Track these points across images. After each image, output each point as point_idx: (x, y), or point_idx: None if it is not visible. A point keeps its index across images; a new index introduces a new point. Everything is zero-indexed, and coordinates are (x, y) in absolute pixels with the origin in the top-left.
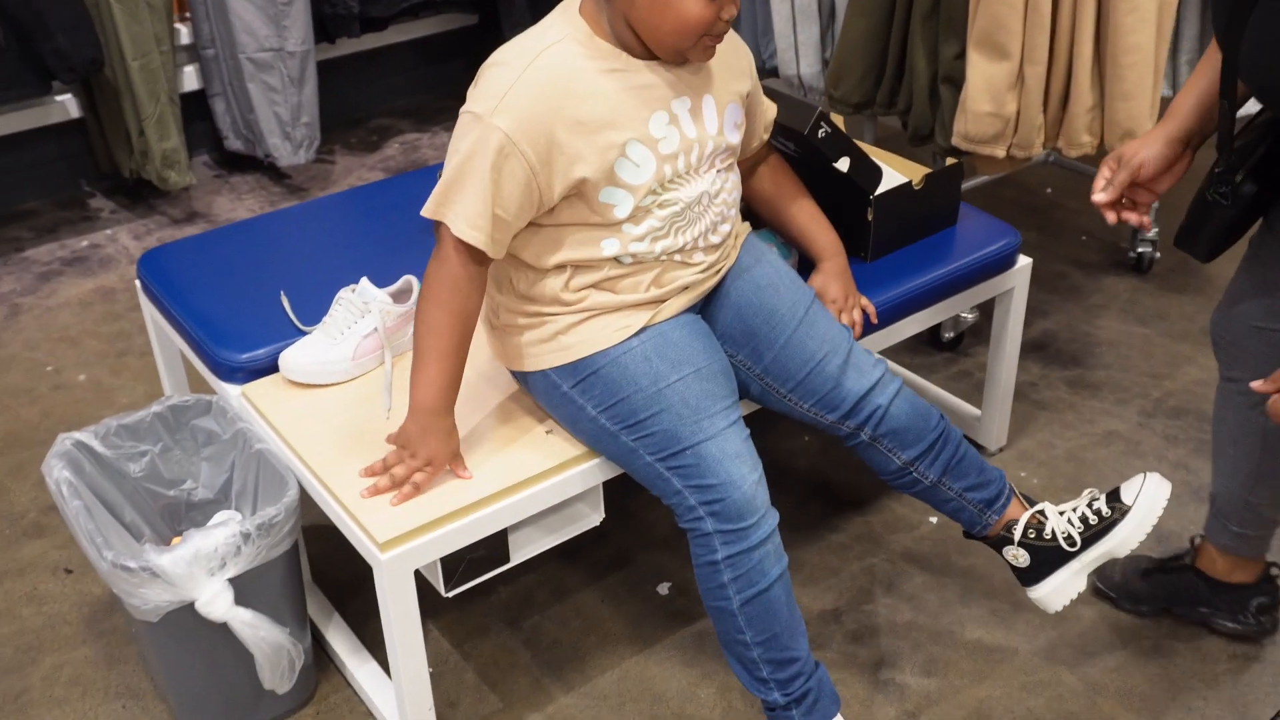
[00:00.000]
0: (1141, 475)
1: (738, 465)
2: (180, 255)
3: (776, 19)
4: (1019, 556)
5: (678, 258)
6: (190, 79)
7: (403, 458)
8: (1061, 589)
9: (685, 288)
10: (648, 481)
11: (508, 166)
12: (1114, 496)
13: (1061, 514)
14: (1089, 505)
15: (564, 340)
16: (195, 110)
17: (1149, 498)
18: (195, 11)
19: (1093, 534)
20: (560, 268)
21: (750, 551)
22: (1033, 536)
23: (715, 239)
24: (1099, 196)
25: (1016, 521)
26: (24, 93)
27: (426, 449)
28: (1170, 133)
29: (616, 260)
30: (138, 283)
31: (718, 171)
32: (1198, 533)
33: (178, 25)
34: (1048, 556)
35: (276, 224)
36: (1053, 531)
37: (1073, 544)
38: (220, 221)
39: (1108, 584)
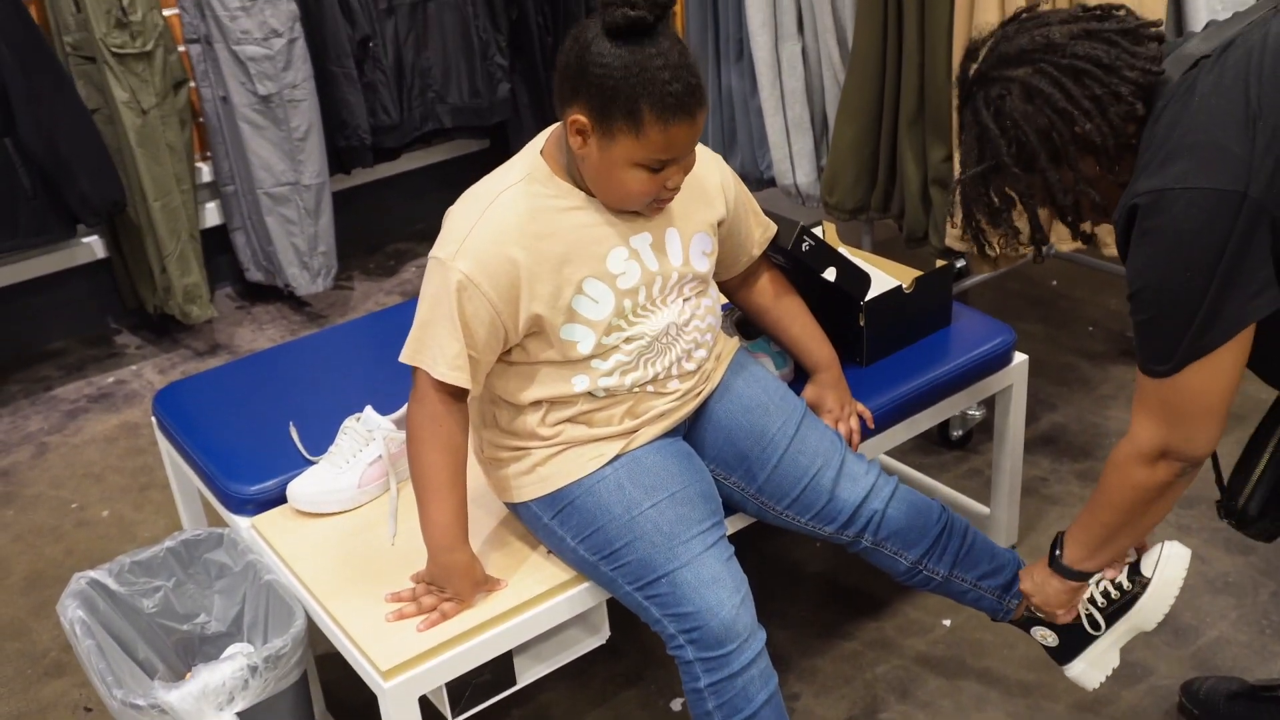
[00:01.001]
0: (1159, 544)
1: (715, 591)
2: (194, 390)
3: (771, 131)
4: (1047, 636)
5: (650, 388)
6: (212, 215)
7: (431, 589)
8: (1094, 666)
9: (661, 415)
10: (633, 610)
11: (471, 307)
12: (1134, 569)
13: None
14: (1111, 580)
15: (542, 472)
16: (217, 244)
17: (1168, 568)
18: (215, 151)
19: (1115, 610)
20: (536, 404)
21: (733, 678)
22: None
23: (690, 366)
24: None
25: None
26: (51, 238)
27: (452, 586)
28: None
29: (590, 395)
30: (154, 419)
31: (685, 300)
32: None
33: (199, 164)
34: (1074, 636)
35: (288, 355)
36: (1076, 612)
37: (1095, 625)
38: (242, 352)
39: (1193, 700)
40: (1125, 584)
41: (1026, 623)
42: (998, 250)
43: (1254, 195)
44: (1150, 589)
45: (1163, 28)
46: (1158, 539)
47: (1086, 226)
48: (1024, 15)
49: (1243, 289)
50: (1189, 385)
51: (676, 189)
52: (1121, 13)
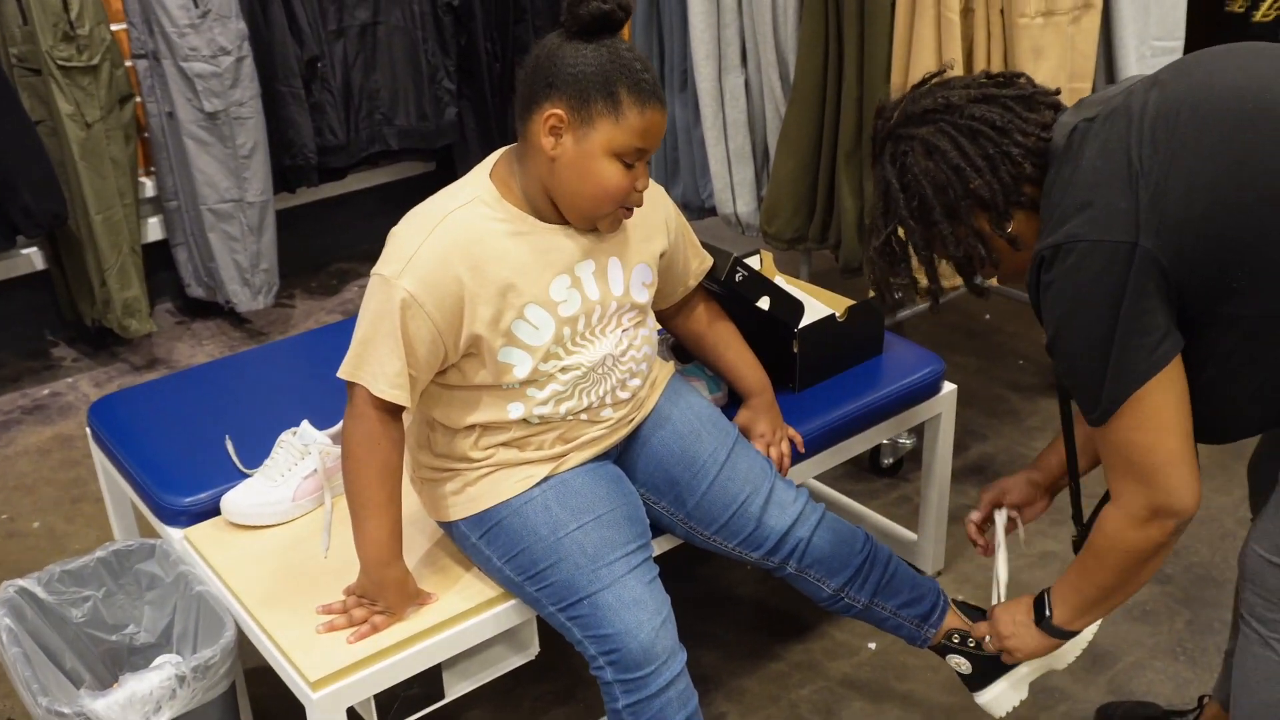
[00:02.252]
0: None
1: (635, 613)
2: (130, 403)
3: (713, 161)
4: (961, 664)
5: (584, 416)
6: (154, 229)
7: (362, 602)
8: (1001, 698)
9: (592, 441)
10: (558, 629)
11: (414, 325)
12: None
13: None
14: None
15: (471, 492)
16: (159, 259)
17: None
18: (159, 166)
19: None
20: (470, 428)
21: (651, 699)
22: (972, 646)
23: (624, 394)
24: (972, 516)
25: (955, 631)
26: None
27: (384, 600)
28: (1034, 478)
29: (524, 421)
30: (88, 430)
31: (623, 331)
32: (1206, 692)
33: (142, 179)
34: (988, 665)
35: (226, 370)
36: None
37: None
38: (180, 367)
39: None
40: None
41: (944, 649)
42: (898, 298)
43: (1144, 245)
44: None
45: (1061, 97)
46: None
47: (979, 279)
48: (933, 80)
49: (1146, 335)
50: (1135, 440)
51: (644, 191)
52: (1022, 80)
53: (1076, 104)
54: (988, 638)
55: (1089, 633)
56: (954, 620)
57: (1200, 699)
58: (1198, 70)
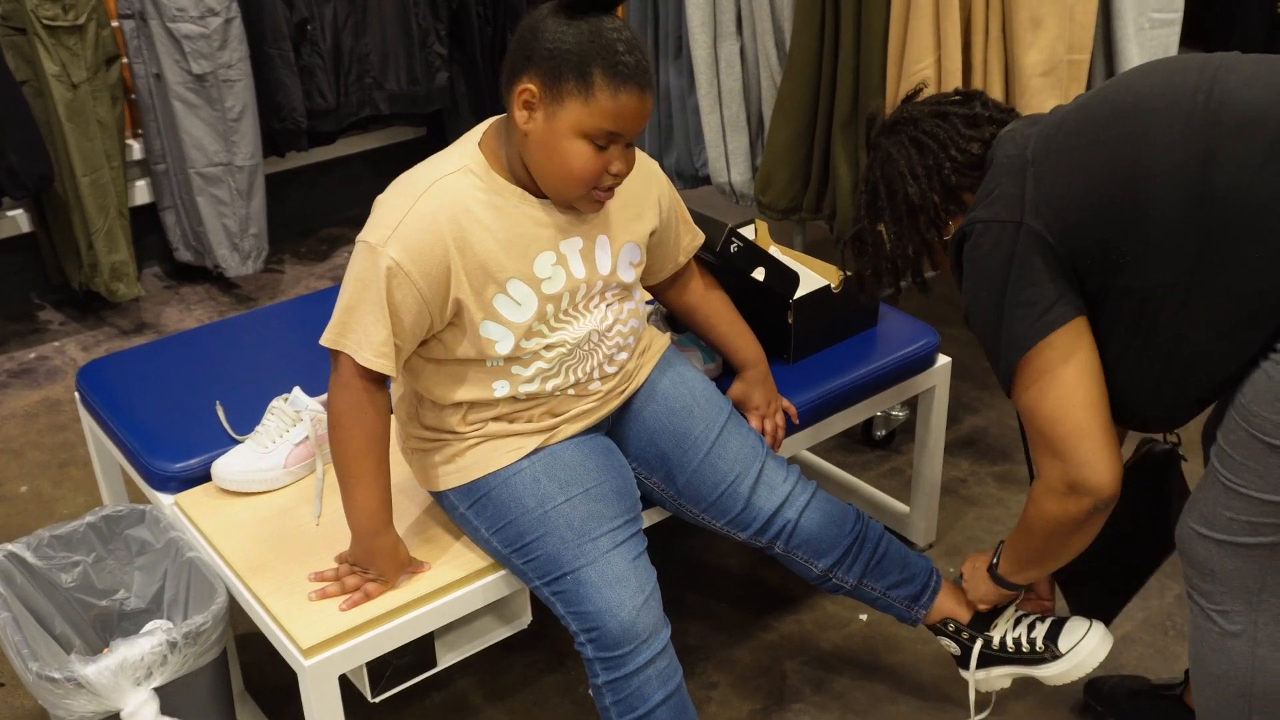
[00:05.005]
0: (1087, 623)
1: (617, 590)
2: (119, 367)
3: (707, 129)
4: (952, 647)
5: (572, 391)
6: (142, 193)
7: (355, 570)
8: (990, 681)
9: (582, 414)
10: (545, 603)
11: (399, 294)
12: (1053, 634)
13: (996, 628)
14: (1028, 631)
15: (460, 462)
16: (146, 223)
17: (1082, 655)
18: (147, 128)
19: (1020, 657)
20: (458, 404)
21: (629, 678)
22: (965, 637)
23: (611, 369)
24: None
25: (950, 620)
26: None
27: (376, 568)
28: None
29: (512, 398)
30: (77, 394)
31: (608, 306)
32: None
33: (130, 141)
34: (981, 657)
35: (216, 335)
36: (986, 638)
37: (1004, 650)
38: (169, 332)
39: (1096, 697)
40: (1040, 645)
41: (938, 631)
42: (866, 287)
43: (1028, 223)
44: (1059, 665)
45: (1015, 114)
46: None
47: (924, 277)
48: (916, 94)
49: (1032, 305)
50: (1040, 409)
51: (619, 177)
52: (977, 102)
53: (1026, 120)
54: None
55: (1084, 670)
56: (946, 601)
57: (1186, 672)
58: (1104, 85)
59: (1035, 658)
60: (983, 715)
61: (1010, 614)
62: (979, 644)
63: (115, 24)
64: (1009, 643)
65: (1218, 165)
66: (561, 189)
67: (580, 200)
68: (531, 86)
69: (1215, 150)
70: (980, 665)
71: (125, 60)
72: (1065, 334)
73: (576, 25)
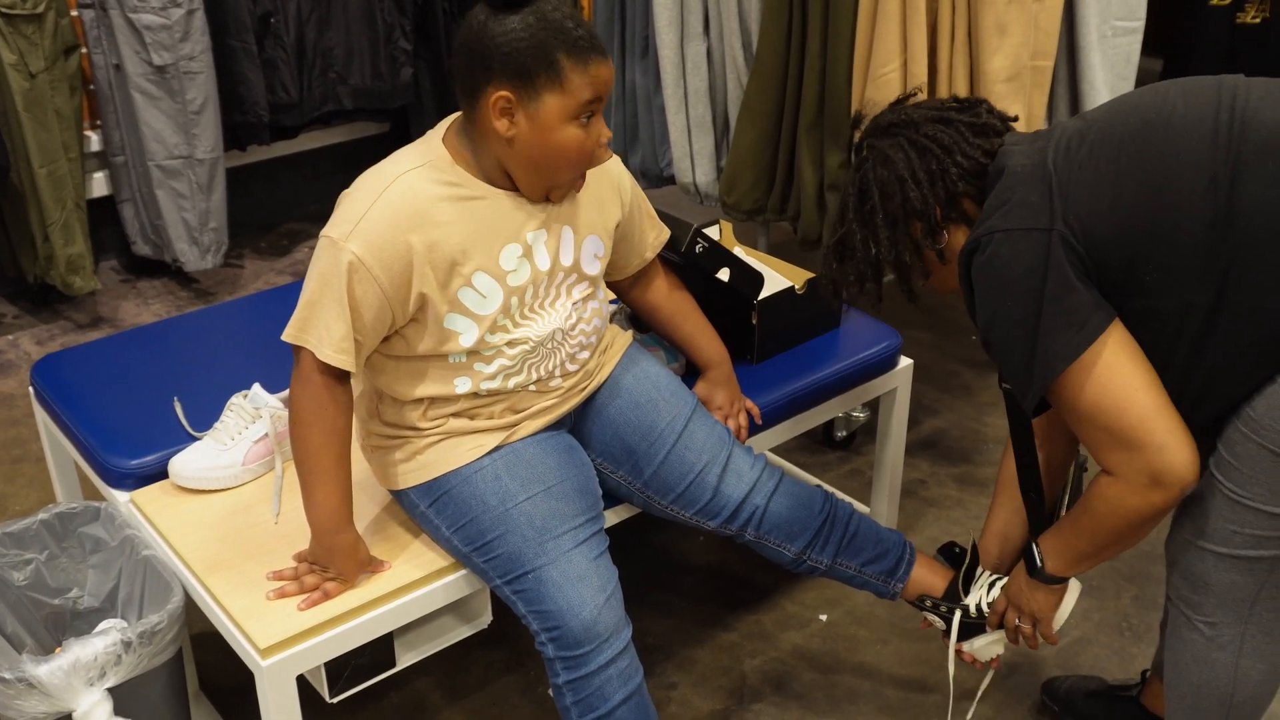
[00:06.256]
0: None
1: (579, 590)
2: (75, 361)
3: (673, 129)
4: (937, 622)
5: (533, 388)
6: (100, 185)
7: (314, 569)
8: (986, 649)
9: (543, 410)
10: (506, 602)
11: (360, 289)
12: None
13: (971, 596)
14: (996, 593)
15: (421, 459)
16: (104, 216)
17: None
18: (105, 120)
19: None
20: (418, 400)
21: (590, 677)
22: (944, 610)
23: (573, 367)
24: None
25: (926, 596)
26: None
27: (336, 567)
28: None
29: (473, 395)
30: (31, 389)
31: (573, 304)
32: (1148, 667)
33: (88, 133)
34: (965, 628)
35: (174, 330)
36: (964, 608)
37: (981, 616)
38: (125, 326)
39: (1053, 697)
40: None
41: (918, 606)
42: (844, 295)
43: (1058, 229)
44: None
45: (1017, 122)
46: None
47: (912, 285)
48: (908, 98)
49: (1072, 315)
50: (1103, 405)
51: (608, 140)
52: (982, 108)
53: (1029, 135)
54: (1015, 621)
55: (1061, 616)
56: (923, 575)
57: (1143, 673)
58: (1116, 101)
59: None
60: (982, 689)
61: (984, 580)
62: (958, 615)
63: (75, 13)
64: (985, 607)
65: (1243, 184)
66: (555, 177)
67: (561, 188)
68: (505, 93)
69: (1241, 169)
70: (964, 636)
71: (84, 50)
72: (1112, 334)
73: (520, 18)
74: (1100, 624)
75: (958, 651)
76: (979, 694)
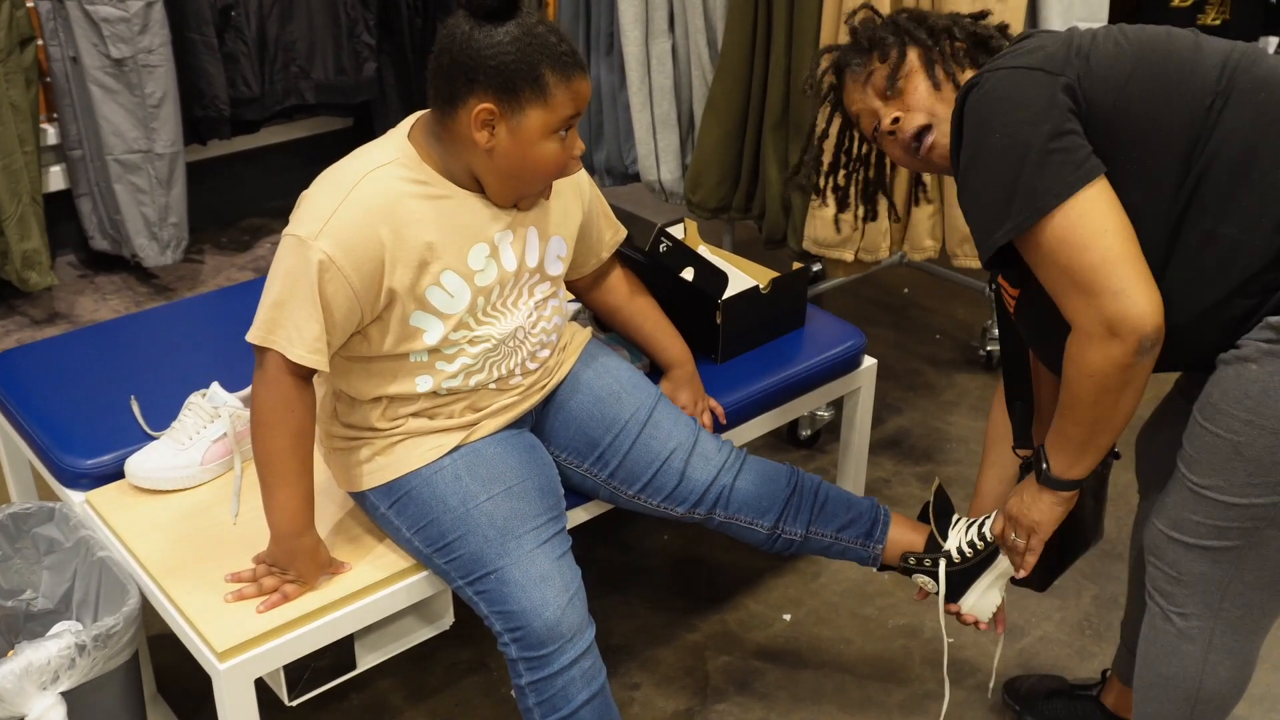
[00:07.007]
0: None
1: (542, 590)
2: (30, 358)
3: (637, 126)
4: (928, 584)
5: (493, 386)
6: (56, 179)
7: (273, 571)
8: (982, 603)
9: (503, 409)
10: (468, 603)
11: (331, 288)
12: (981, 528)
13: (950, 540)
14: (978, 529)
15: (380, 461)
16: (61, 210)
17: None
18: (63, 113)
19: (983, 559)
20: (377, 400)
21: (553, 678)
22: (929, 564)
23: (533, 365)
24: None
25: (910, 554)
26: None
27: (296, 569)
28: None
29: (433, 393)
30: None
31: (535, 303)
32: (1109, 666)
33: (44, 126)
34: (953, 579)
35: (132, 327)
36: (947, 555)
37: (964, 559)
38: (83, 322)
39: (1014, 697)
40: (978, 544)
41: (905, 570)
42: (852, 203)
43: (1067, 77)
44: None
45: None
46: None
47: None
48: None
49: (1070, 153)
50: (1068, 243)
51: (581, 151)
52: (987, 20)
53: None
54: (1012, 535)
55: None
56: (901, 534)
57: (1103, 673)
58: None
59: (988, 554)
60: (996, 658)
61: (961, 526)
62: (943, 564)
63: (31, 4)
64: (965, 548)
65: (1228, 111)
66: (528, 189)
67: (531, 198)
68: (489, 105)
69: (1232, 96)
70: (957, 593)
71: (40, 42)
72: (1100, 183)
73: (506, 31)
74: (1061, 623)
75: (958, 615)
76: (994, 663)
